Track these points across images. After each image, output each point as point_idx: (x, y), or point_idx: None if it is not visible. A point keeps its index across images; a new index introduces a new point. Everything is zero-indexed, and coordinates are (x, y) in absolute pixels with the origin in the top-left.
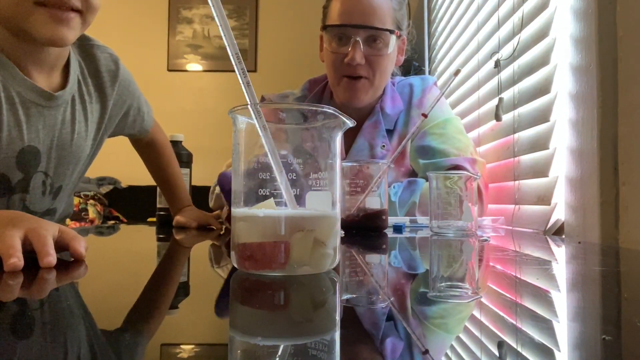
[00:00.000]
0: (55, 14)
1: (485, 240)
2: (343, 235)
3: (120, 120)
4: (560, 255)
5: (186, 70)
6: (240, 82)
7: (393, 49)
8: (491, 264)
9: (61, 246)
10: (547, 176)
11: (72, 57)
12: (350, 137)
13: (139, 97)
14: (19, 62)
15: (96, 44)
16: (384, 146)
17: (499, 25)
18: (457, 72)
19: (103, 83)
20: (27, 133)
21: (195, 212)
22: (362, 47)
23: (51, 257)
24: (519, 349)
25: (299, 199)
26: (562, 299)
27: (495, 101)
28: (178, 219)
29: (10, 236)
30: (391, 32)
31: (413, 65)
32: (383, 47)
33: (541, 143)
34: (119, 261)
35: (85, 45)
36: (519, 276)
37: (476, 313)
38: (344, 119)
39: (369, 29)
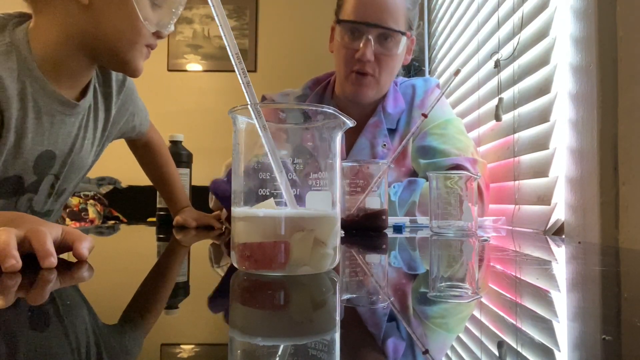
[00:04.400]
0: (148, 53)
1: (486, 240)
2: (343, 235)
3: (121, 126)
4: (560, 255)
5: (186, 70)
6: (240, 82)
7: (402, 49)
8: (491, 264)
9: (65, 247)
10: (547, 176)
11: None
12: (352, 136)
13: (138, 102)
14: (56, 76)
15: None
16: (385, 145)
17: (499, 25)
18: (457, 72)
19: (111, 92)
20: (47, 139)
21: (195, 212)
22: (373, 44)
23: (52, 258)
24: (519, 349)
25: (299, 199)
26: (562, 299)
27: (495, 101)
28: (178, 219)
29: (8, 237)
30: (403, 33)
31: (413, 65)
32: (394, 46)
33: (541, 143)
34: (119, 261)
35: None
36: (519, 276)
37: (476, 313)
38: (344, 119)
39: (383, 29)
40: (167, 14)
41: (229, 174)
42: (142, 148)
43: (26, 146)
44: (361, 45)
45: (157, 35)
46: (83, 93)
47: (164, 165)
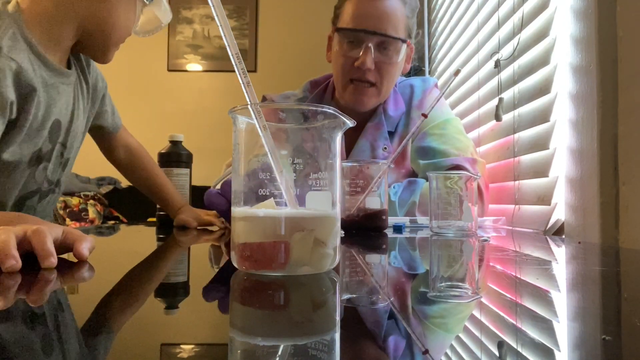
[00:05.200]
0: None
1: (485, 240)
2: (343, 235)
3: (99, 105)
4: (560, 255)
5: (186, 70)
6: (240, 82)
7: (403, 57)
8: (491, 264)
9: (66, 247)
10: (547, 176)
11: None
12: (352, 138)
13: (107, 88)
14: (47, 49)
15: None
16: (385, 148)
17: (499, 25)
18: (457, 72)
19: (83, 65)
20: (55, 108)
21: (194, 211)
22: (373, 53)
23: (52, 258)
24: (519, 349)
25: (299, 199)
26: (562, 299)
27: (495, 101)
28: (180, 218)
29: (8, 236)
30: (403, 41)
31: (413, 65)
32: (394, 54)
33: (541, 143)
34: (119, 261)
35: None
36: (519, 276)
37: (476, 313)
38: (344, 119)
39: (383, 36)
40: (153, 25)
41: (223, 185)
42: (124, 154)
43: (44, 118)
44: (361, 53)
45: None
46: (67, 65)
47: (151, 168)
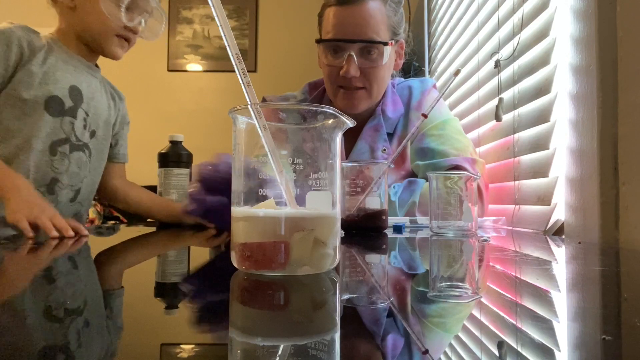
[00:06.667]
0: (122, 42)
1: (486, 240)
2: (343, 235)
3: (120, 131)
4: (560, 256)
5: (186, 71)
6: (240, 82)
7: (389, 58)
8: (491, 264)
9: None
10: (547, 176)
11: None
12: (350, 140)
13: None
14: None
15: None
16: (384, 150)
17: (499, 25)
18: (457, 72)
19: (114, 95)
20: (72, 76)
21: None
22: (356, 59)
23: (71, 231)
24: (519, 349)
25: (299, 199)
26: (562, 299)
27: (495, 101)
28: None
29: (49, 218)
30: (385, 44)
31: (413, 65)
32: (378, 57)
33: (541, 143)
34: (119, 261)
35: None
36: (519, 276)
37: (476, 313)
38: (344, 119)
39: (362, 42)
40: (136, 11)
41: (192, 195)
42: (121, 182)
43: (55, 74)
44: (344, 62)
45: (130, 29)
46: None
47: (144, 190)
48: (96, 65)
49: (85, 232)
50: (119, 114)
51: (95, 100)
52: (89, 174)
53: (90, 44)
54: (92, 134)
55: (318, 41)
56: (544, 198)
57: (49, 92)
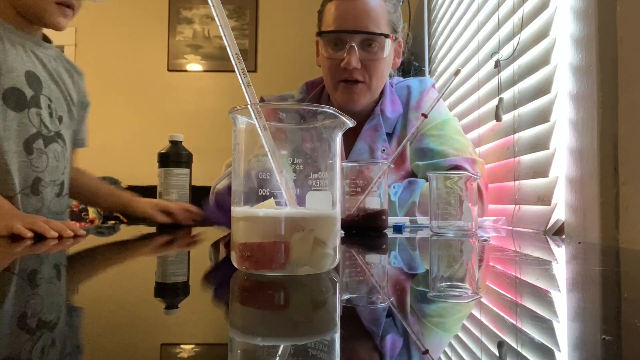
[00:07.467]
0: (63, 10)
1: (486, 240)
2: (343, 235)
3: (79, 112)
4: (560, 256)
5: (186, 70)
6: (240, 82)
7: (389, 53)
8: (491, 264)
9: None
10: (547, 176)
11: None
12: (349, 140)
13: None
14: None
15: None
16: (384, 150)
17: (499, 25)
18: (457, 72)
19: (70, 70)
20: (27, 60)
21: (152, 202)
22: (357, 51)
23: (69, 231)
24: (519, 349)
25: (299, 199)
26: (562, 299)
27: (495, 101)
28: (147, 212)
29: (54, 222)
30: (386, 36)
31: (413, 65)
32: (379, 50)
33: (541, 143)
34: (119, 261)
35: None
36: (519, 276)
37: (476, 313)
38: (344, 119)
39: (364, 34)
40: None
41: (218, 196)
42: (78, 171)
43: (6, 61)
44: (345, 54)
45: None
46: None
47: (97, 179)
48: (45, 39)
49: (82, 232)
50: (79, 92)
51: (54, 81)
52: (67, 163)
53: (28, 16)
54: (60, 119)
55: (319, 33)
56: (544, 198)
57: (5, 84)
